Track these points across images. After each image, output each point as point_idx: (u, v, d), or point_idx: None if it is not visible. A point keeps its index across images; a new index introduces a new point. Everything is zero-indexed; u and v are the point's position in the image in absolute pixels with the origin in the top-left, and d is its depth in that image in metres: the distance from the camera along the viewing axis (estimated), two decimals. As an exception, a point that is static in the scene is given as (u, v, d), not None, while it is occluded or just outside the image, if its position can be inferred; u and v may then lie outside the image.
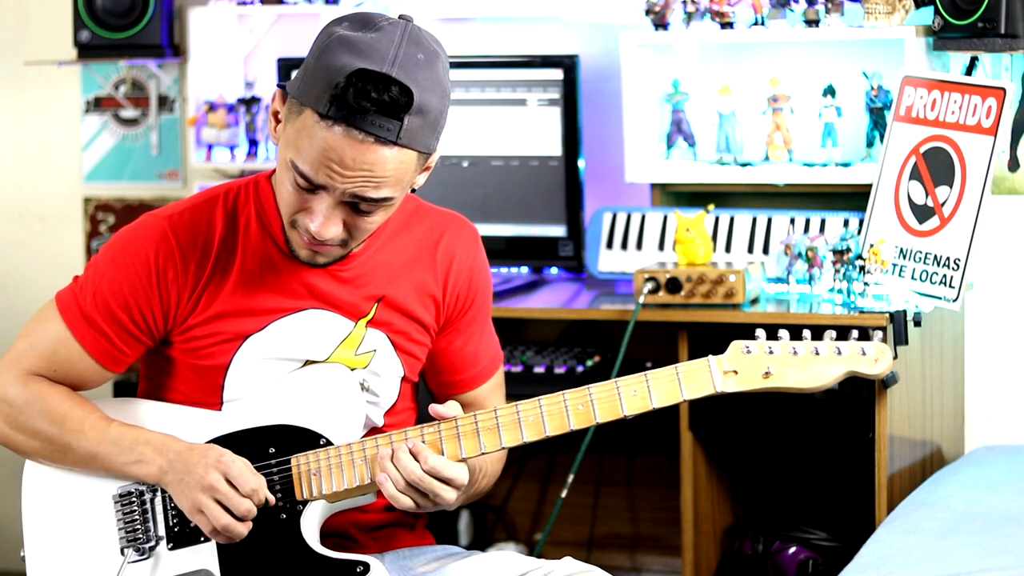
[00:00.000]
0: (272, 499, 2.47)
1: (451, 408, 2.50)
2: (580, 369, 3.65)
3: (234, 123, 4.23)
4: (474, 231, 2.70)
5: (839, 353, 2.48)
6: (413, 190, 2.49)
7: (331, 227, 2.40)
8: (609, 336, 3.76)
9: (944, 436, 3.64)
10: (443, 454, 2.46)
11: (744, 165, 3.80)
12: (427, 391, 2.75)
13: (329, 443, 2.50)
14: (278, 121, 2.44)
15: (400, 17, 2.39)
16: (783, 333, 2.50)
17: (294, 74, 2.43)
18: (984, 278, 3.74)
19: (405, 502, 2.45)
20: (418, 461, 2.43)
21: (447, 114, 2.41)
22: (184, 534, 2.51)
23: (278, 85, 2.51)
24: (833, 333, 2.50)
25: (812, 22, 3.65)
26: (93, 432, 2.50)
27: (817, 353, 2.48)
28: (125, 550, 2.51)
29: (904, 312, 3.26)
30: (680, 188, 3.91)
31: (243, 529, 2.45)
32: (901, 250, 3.38)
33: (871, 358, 2.49)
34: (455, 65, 3.88)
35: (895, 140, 3.44)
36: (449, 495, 2.45)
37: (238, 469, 2.44)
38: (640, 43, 3.81)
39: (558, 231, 3.89)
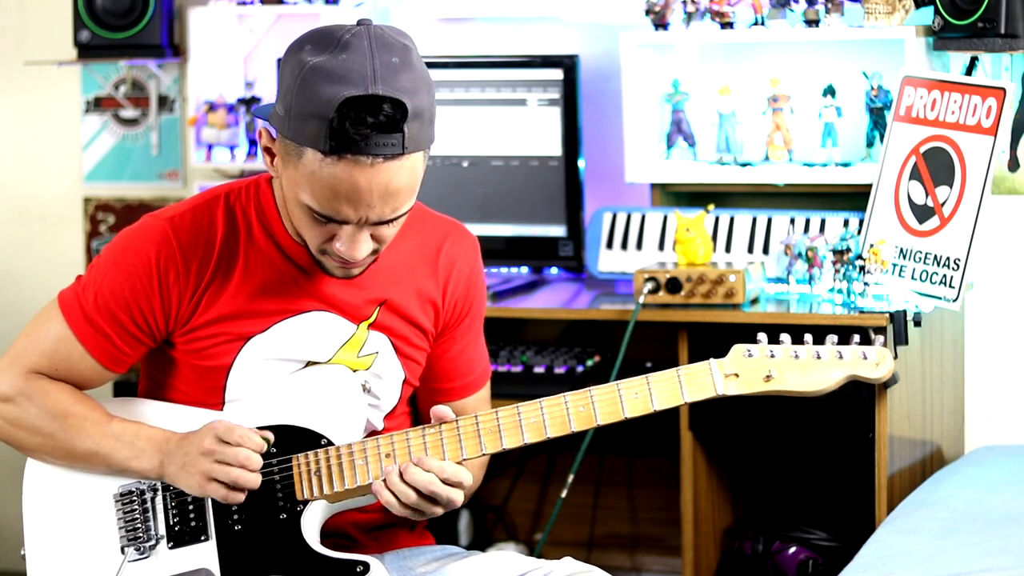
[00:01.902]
0: (271, 437, 2.47)
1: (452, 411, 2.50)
2: (580, 369, 3.65)
3: (234, 123, 4.23)
4: (474, 240, 2.70)
5: (840, 357, 2.49)
6: None
7: (362, 247, 2.41)
8: (609, 336, 3.76)
9: (944, 436, 3.64)
10: (444, 455, 2.46)
11: (744, 165, 3.80)
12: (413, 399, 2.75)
13: (330, 443, 2.50)
14: (272, 155, 2.44)
15: (359, 23, 2.38)
16: (785, 337, 2.50)
17: (274, 109, 2.40)
18: (984, 278, 3.74)
19: (404, 513, 2.46)
20: (432, 472, 2.43)
21: (435, 101, 2.40)
22: (184, 533, 2.51)
23: (255, 114, 2.50)
24: (835, 337, 2.50)
25: (812, 22, 3.65)
26: (94, 428, 2.50)
27: (818, 357, 2.48)
28: (125, 549, 2.52)
29: (904, 312, 3.26)
30: (680, 188, 3.91)
31: (254, 478, 2.44)
32: (901, 250, 3.38)
33: (872, 362, 2.50)
34: (456, 65, 3.93)
35: (895, 140, 3.44)
36: (460, 498, 2.46)
37: (224, 425, 2.45)
38: (640, 43, 3.81)
39: (558, 231, 3.90)
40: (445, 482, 2.44)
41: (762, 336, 2.51)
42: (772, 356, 2.48)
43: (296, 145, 2.35)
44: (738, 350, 2.49)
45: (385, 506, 2.46)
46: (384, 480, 2.45)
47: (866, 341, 2.54)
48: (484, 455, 2.48)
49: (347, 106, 2.28)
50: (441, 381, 2.69)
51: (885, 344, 2.56)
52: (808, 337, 2.50)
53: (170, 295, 2.51)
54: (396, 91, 2.31)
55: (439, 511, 2.47)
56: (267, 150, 2.45)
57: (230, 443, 2.44)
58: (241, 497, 2.47)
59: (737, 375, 2.48)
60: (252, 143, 4.23)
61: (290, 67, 2.36)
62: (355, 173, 2.32)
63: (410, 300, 2.60)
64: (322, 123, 2.30)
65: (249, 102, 4.22)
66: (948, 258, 3.27)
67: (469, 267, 2.67)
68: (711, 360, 2.49)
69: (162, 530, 2.52)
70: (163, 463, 2.48)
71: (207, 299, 2.52)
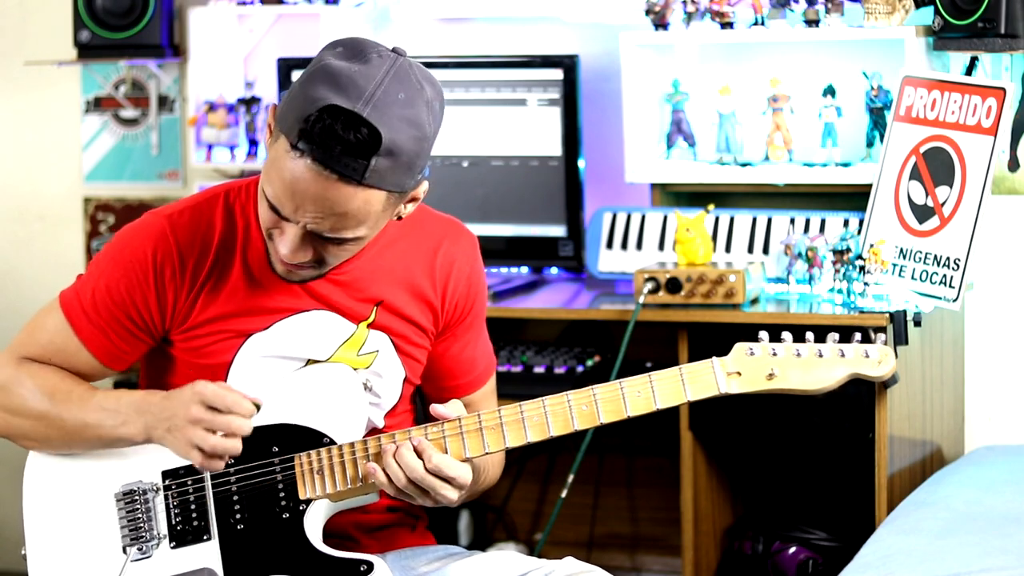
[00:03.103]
0: (260, 401, 2.44)
1: (453, 408, 2.50)
2: (580, 369, 3.65)
3: (234, 123, 4.23)
4: (472, 238, 2.70)
5: (843, 355, 2.49)
6: (399, 216, 2.47)
7: (299, 254, 2.41)
8: (609, 336, 3.76)
9: (944, 436, 3.65)
10: (446, 453, 2.46)
11: (744, 165, 3.81)
12: (421, 395, 2.75)
13: (332, 442, 2.50)
14: (271, 134, 2.45)
15: (393, 50, 2.38)
16: (786, 335, 2.51)
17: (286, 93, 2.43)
18: (984, 278, 3.74)
19: (396, 494, 2.45)
20: (422, 459, 2.43)
21: (427, 152, 2.38)
22: (187, 532, 2.51)
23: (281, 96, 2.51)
24: (836, 335, 2.50)
25: (812, 22, 3.65)
26: (81, 401, 2.50)
27: (821, 355, 2.48)
28: (127, 548, 2.52)
29: (904, 312, 3.26)
30: (680, 188, 3.91)
31: (234, 445, 2.42)
32: (901, 250, 3.38)
33: (874, 360, 2.50)
34: (456, 65, 3.93)
35: (895, 140, 3.44)
36: (451, 494, 2.45)
37: (212, 391, 2.42)
38: (640, 43, 3.81)
39: (558, 231, 3.90)
40: (431, 471, 2.43)
41: (764, 335, 2.51)
42: (774, 354, 2.48)
43: (278, 129, 2.36)
44: (740, 348, 2.49)
45: (378, 485, 2.46)
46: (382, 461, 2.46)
47: (867, 339, 2.54)
48: (487, 453, 2.48)
49: (328, 113, 2.28)
50: (446, 379, 2.70)
51: (886, 343, 2.55)
52: (810, 335, 2.51)
53: (166, 292, 2.51)
54: (381, 121, 2.29)
55: (429, 502, 2.46)
56: (269, 126, 2.46)
57: (220, 410, 2.42)
58: (221, 464, 2.44)
59: (739, 373, 2.48)
60: (252, 143, 4.23)
61: (314, 60, 2.38)
62: (308, 177, 2.31)
63: (407, 300, 2.60)
64: (300, 118, 2.30)
65: (249, 102, 4.22)
66: (948, 258, 3.27)
67: (469, 266, 2.67)
68: (714, 359, 2.49)
69: (164, 529, 2.52)
70: (148, 425, 2.46)
71: (204, 298, 2.52)
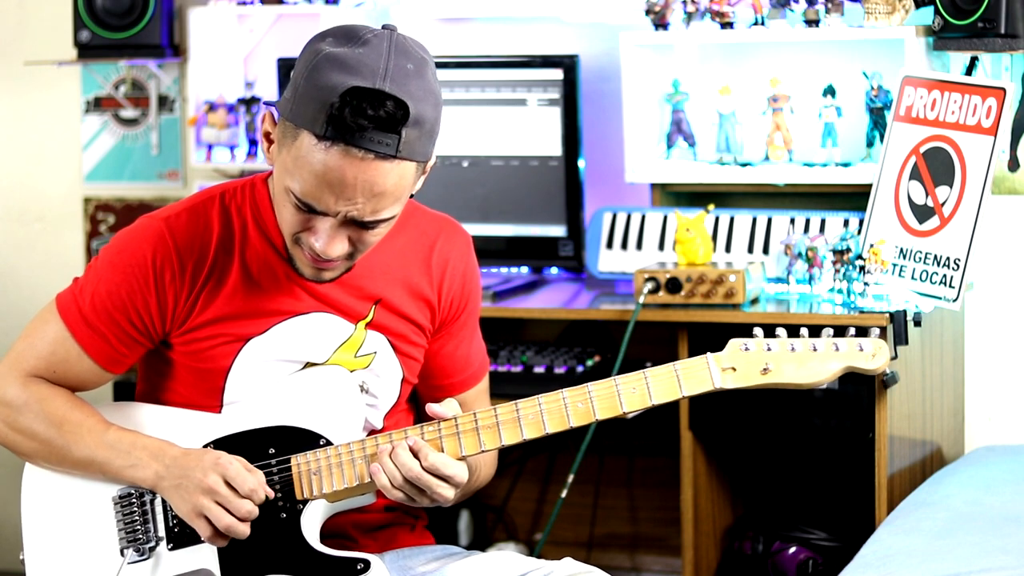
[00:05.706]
0: (271, 494, 2.47)
1: (449, 407, 2.50)
2: (580, 369, 3.65)
3: (234, 123, 4.23)
4: (467, 236, 2.70)
5: (837, 349, 2.50)
6: (411, 195, 2.48)
7: (336, 245, 2.40)
8: (609, 336, 3.76)
9: (944, 436, 3.65)
10: (443, 452, 2.46)
11: (744, 165, 3.80)
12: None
13: (329, 443, 2.50)
14: (271, 142, 2.43)
15: (384, 27, 2.39)
16: (780, 331, 2.51)
17: (283, 95, 2.42)
18: (984, 278, 3.74)
19: (396, 495, 2.45)
20: (418, 458, 2.43)
21: (440, 120, 2.40)
22: (184, 535, 2.51)
23: (265, 104, 2.50)
24: (831, 330, 2.51)
25: (812, 22, 3.65)
26: (91, 436, 2.50)
27: (815, 349, 2.49)
28: (125, 551, 2.52)
29: (904, 312, 3.26)
30: (680, 188, 3.91)
31: (245, 529, 2.45)
32: (901, 250, 3.38)
33: (868, 353, 2.51)
34: (456, 65, 3.93)
35: (895, 140, 3.44)
36: (447, 493, 2.45)
37: (235, 470, 2.44)
38: (640, 43, 3.81)
39: (558, 231, 3.89)
40: (428, 470, 2.43)
41: (758, 331, 2.52)
42: (769, 349, 2.49)
43: (293, 127, 2.34)
44: (735, 344, 2.50)
45: (379, 488, 2.46)
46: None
47: (862, 334, 2.54)
48: (484, 452, 2.48)
49: (351, 95, 2.28)
50: (440, 378, 2.70)
51: (883, 337, 2.56)
52: (804, 331, 2.51)
53: (166, 295, 2.51)
54: (403, 93, 2.30)
55: (426, 502, 2.46)
56: (267, 135, 2.45)
57: (238, 491, 2.44)
58: (225, 543, 2.47)
59: (734, 369, 2.48)
60: (252, 143, 4.23)
61: (307, 54, 2.37)
62: (344, 164, 2.31)
63: (403, 297, 2.60)
64: (323, 107, 2.29)
65: (249, 102, 4.22)
66: (948, 258, 3.27)
67: (463, 264, 2.67)
68: (708, 354, 2.49)
69: (162, 531, 2.52)
70: (158, 475, 2.48)
71: (203, 300, 2.52)
